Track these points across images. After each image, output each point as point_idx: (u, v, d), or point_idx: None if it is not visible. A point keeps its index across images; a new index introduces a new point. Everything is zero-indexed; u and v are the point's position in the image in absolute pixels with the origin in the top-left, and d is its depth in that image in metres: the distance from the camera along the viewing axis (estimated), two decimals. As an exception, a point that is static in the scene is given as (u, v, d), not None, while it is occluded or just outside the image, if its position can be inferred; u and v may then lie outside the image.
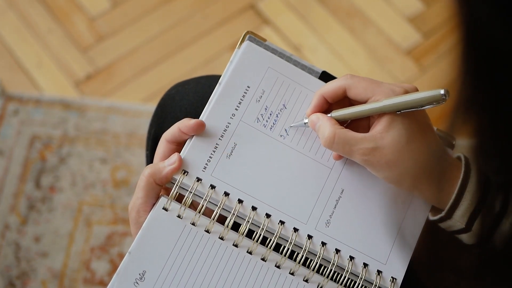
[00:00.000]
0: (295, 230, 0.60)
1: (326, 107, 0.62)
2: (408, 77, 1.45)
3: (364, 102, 0.59)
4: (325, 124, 0.59)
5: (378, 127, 0.57)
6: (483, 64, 0.39)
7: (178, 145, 0.61)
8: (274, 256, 0.59)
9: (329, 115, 0.60)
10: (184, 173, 0.59)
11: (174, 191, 0.58)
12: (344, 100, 0.61)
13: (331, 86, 0.60)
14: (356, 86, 0.59)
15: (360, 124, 0.61)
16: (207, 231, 0.58)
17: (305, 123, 0.62)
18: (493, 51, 0.37)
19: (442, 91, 0.54)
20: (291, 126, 0.63)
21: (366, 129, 0.60)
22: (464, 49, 0.39)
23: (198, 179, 0.59)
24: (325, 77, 0.65)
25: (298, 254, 0.59)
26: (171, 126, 0.61)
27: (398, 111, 0.57)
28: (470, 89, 0.40)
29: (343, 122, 0.61)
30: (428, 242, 0.62)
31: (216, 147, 0.60)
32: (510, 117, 0.39)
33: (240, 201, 0.59)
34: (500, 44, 0.36)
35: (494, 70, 0.38)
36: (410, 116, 0.58)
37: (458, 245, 0.60)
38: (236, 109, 0.62)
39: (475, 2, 0.37)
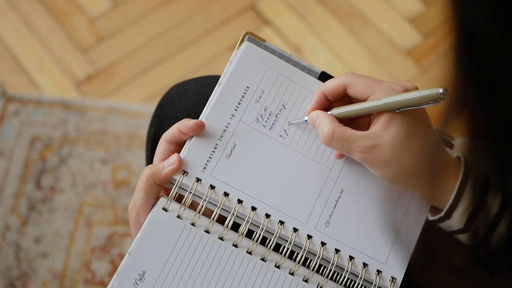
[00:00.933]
0: (295, 230, 0.60)
1: (327, 104, 0.62)
2: (408, 78, 1.45)
3: (364, 100, 0.59)
4: (324, 122, 0.59)
5: (377, 125, 0.58)
6: (476, 63, 0.39)
7: (178, 146, 0.61)
8: (274, 256, 0.59)
9: (329, 112, 0.61)
10: (183, 174, 0.59)
11: (173, 191, 0.58)
12: (344, 98, 0.61)
13: (331, 83, 0.60)
14: (356, 84, 0.59)
15: (361, 122, 0.61)
16: (207, 232, 0.58)
17: (305, 120, 0.62)
18: (486, 51, 0.37)
19: (440, 90, 0.54)
20: (291, 124, 0.63)
21: (367, 127, 0.60)
22: (458, 48, 0.39)
23: (198, 180, 0.59)
24: (324, 77, 0.65)
25: (297, 254, 0.59)
26: (171, 126, 0.61)
27: (398, 109, 0.57)
28: (464, 88, 0.40)
29: (344, 120, 0.61)
30: (425, 242, 0.62)
31: (215, 148, 0.61)
32: (504, 116, 0.39)
33: (239, 201, 0.59)
34: (494, 44, 0.37)
35: (487, 69, 0.38)
36: (410, 114, 0.58)
37: (455, 244, 0.60)
38: (236, 110, 0.62)
39: (468, 3, 0.37)
